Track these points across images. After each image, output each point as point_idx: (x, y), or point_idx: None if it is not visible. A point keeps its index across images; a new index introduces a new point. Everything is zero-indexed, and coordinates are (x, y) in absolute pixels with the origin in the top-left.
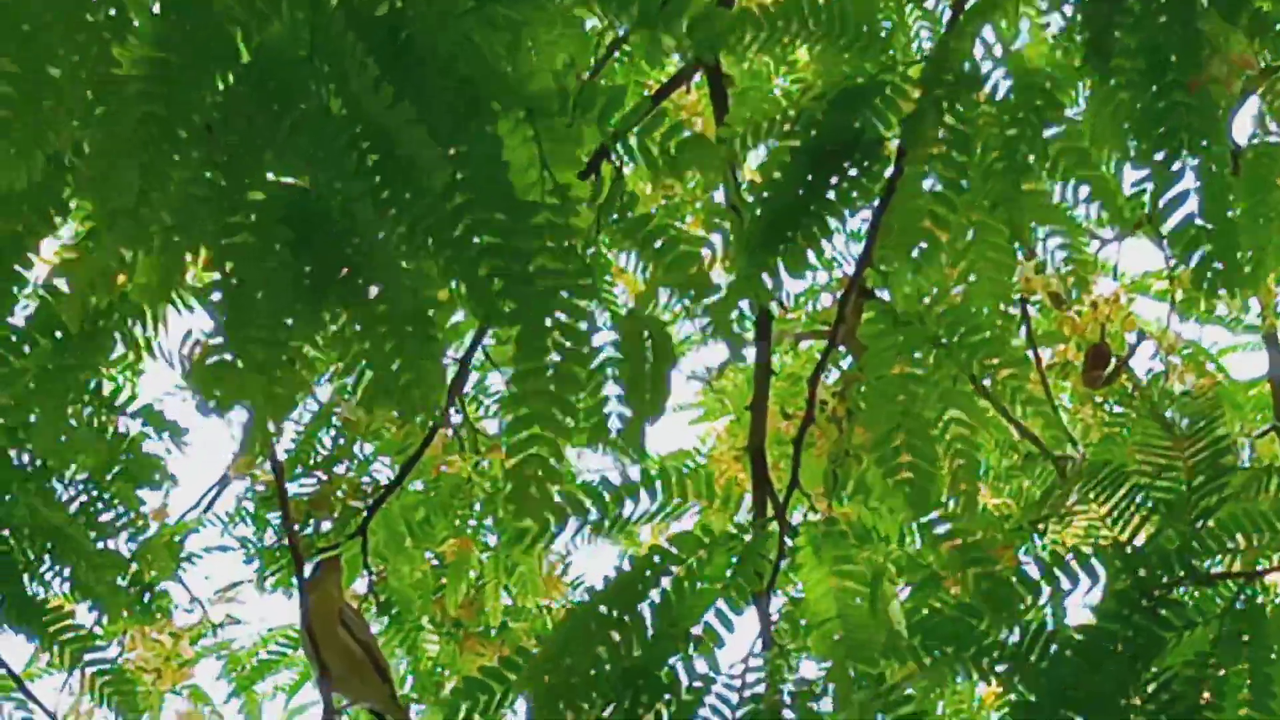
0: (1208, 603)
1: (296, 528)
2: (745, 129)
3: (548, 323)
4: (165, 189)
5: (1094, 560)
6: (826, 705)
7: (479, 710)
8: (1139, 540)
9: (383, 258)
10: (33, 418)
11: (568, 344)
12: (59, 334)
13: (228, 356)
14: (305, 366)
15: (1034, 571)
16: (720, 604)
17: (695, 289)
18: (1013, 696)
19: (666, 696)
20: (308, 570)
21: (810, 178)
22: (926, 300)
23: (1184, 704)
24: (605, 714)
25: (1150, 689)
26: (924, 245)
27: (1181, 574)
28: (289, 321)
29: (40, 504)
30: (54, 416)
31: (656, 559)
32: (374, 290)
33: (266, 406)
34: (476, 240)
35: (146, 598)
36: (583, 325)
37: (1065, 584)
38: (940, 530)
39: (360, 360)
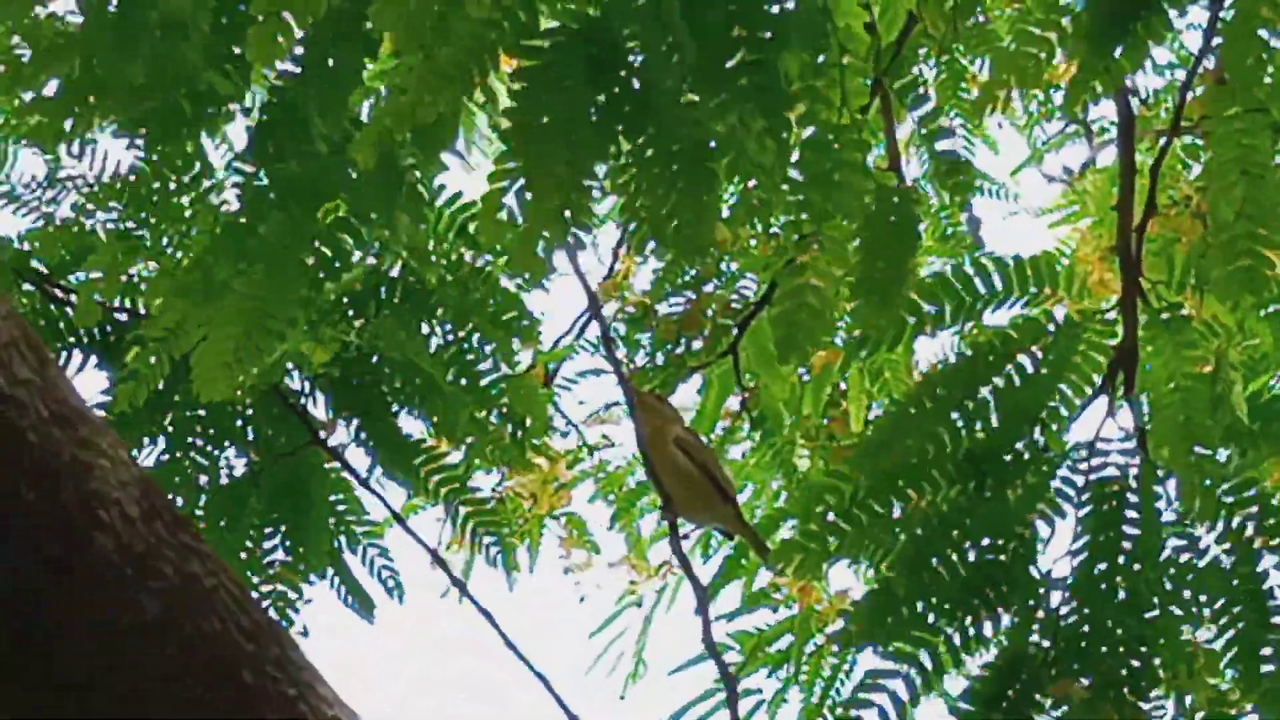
0: None
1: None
2: None
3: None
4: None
5: None
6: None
7: (834, 512)
8: None
9: (666, 91)
10: None
11: None
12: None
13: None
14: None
15: None
16: (1066, 388)
17: (1036, 85)
18: None
19: (1013, 480)
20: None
21: None
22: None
23: None
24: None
25: None
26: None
27: None
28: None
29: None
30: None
31: (999, 343)
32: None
33: (551, 229)
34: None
35: (517, 435)
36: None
37: None
38: None
39: (639, 199)
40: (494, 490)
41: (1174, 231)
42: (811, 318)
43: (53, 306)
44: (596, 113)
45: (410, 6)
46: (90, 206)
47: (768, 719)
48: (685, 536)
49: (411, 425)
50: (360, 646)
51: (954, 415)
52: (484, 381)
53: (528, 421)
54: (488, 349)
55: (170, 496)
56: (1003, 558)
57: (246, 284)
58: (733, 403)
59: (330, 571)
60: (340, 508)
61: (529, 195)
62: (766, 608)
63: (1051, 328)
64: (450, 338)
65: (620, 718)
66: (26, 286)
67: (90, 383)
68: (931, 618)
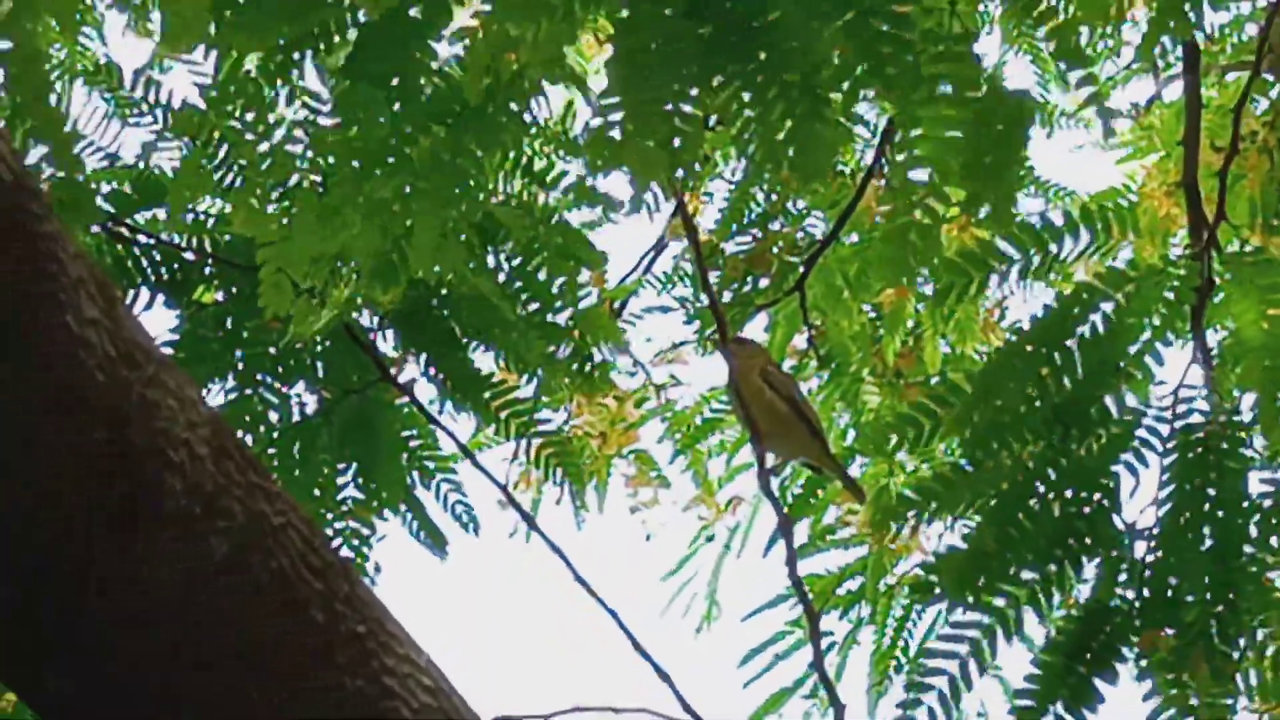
0: None
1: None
2: None
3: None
4: None
5: None
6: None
7: (908, 444)
8: None
9: (776, 20)
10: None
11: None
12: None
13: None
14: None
15: None
16: (1150, 337)
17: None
18: None
19: (1097, 431)
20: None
21: None
22: None
23: None
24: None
25: None
26: None
27: None
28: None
29: (471, 273)
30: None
31: (1084, 295)
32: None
33: (655, 169)
34: None
35: (587, 367)
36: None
37: None
38: None
39: (750, 127)
40: (562, 429)
41: (1240, 167)
42: (921, 235)
43: (119, 246)
44: (701, 43)
45: None
46: (169, 135)
47: (839, 661)
48: (773, 471)
49: (480, 360)
50: (428, 584)
51: (1043, 370)
52: (551, 315)
53: (596, 355)
54: (556, 283)
55: (240, 434)
56: (1087, 509)
57: (430, 184)
58: (800, 340)
59: (402, 507)
60: (414, 444)
61: (634, 129)
62: (838, 547)
63: (1134, 275)
64: (517, 272)
65: (691, 658)
66: (93, 227)
67: (158, 321)
68: (1018, 571)
